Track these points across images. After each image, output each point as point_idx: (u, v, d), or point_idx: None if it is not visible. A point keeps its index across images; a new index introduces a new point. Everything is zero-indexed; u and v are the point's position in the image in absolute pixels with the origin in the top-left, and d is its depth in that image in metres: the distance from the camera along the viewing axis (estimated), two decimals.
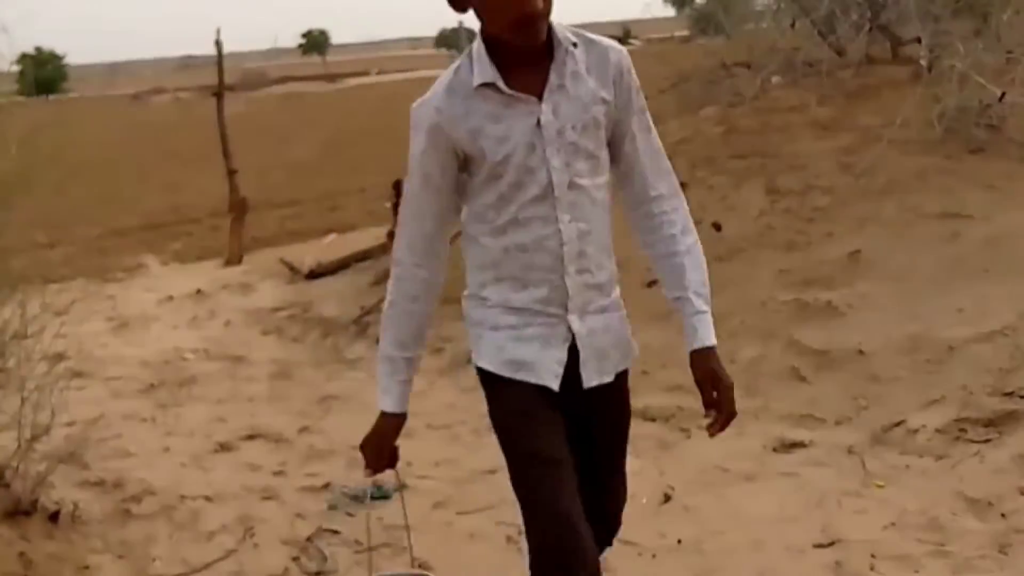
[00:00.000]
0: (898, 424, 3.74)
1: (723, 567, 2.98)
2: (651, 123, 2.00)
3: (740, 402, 4.56)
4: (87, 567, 3.19)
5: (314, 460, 4.16)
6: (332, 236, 9.69)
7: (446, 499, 3.63)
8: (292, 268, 8.17)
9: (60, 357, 3.75)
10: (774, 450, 3.77)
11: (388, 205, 8.34)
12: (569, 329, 1.94)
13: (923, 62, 6.34)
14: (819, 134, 6.21)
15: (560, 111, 1.86)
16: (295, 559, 3.27)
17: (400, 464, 2.14)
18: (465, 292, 2.03)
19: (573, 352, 1.95)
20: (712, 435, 2.02)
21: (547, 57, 1.86)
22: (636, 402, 2.29)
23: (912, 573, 2.84)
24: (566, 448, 1.95)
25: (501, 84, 1.83)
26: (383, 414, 2.06)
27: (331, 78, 55.66)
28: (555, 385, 1.94)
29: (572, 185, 1.88)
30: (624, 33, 47.28)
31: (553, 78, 1.86)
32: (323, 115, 28.31)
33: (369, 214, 10.62)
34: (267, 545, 3.38)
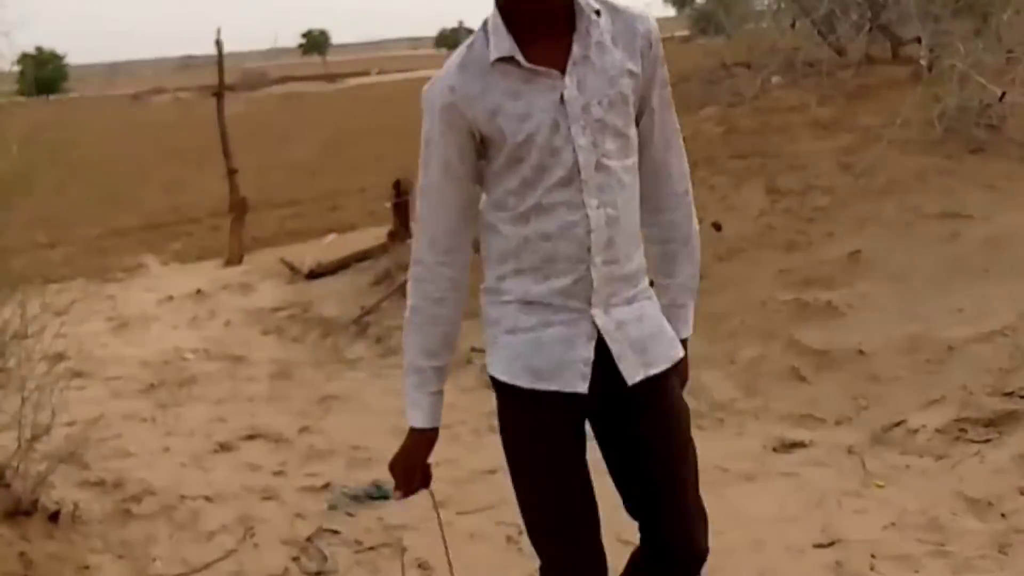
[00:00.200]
0: (898, 424, 3.74)
1: (723, 567, 2.97)
2: (671, 99, 1.85)
3: (740, 402, 4.59)
4: (87, 567, 3.18)
5: (314, 460, 4.16)
6: (332, 236, 9.69)
7: (446, 499, 3.61)
8: (292, 268, 8.18)
9: (60, 357, 3.76)
10: (774, 450, 3.77)
11: (388, 205, 8.34)
12: (593, 325, 1.75)
13: (923, 62, 6.36)
14: (819, 134, 6.22)
15: (585, 85, 1.69)
16: (295, 559, 3.27)
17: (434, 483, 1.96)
18: (483, 285, 1.84)
19: (603, 352, 1.76)
20: None
21: (569, 27, 1.70)
22: None
23: (912, 573, 2.84)
24: (589, 488, 1.80)
25: (520, 57, 1.67)
26: (412, 431, 1.88)
27: (331, 78, 55.69)
28: (583, 387, 1.75)
29: (600, 166, 1.70)
30: None
31: (576, 49, 1.69)
32: (323, 115, 28.31)
33: (369, 214, 10.61)
34: (267, 545, 3.38)
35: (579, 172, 1.69)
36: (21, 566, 2.96)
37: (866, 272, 4.78)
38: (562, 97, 1.68)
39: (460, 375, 4.87)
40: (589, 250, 1.71)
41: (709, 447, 3.03)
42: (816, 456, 3.69)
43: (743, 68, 7.62)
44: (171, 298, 7.92)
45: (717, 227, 5.40)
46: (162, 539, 3.45)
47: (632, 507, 1.89)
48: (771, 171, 5.90)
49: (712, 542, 1.77)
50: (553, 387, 1.74)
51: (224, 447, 4.41)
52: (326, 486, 3.82)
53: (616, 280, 1.76)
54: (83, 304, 6.38)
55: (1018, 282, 4.27)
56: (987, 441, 3.50)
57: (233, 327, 6.86)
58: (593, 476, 1.84)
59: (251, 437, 4.52)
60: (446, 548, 2.11)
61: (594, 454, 1.85)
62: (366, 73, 60.00)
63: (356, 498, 3.67)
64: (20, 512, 3.20)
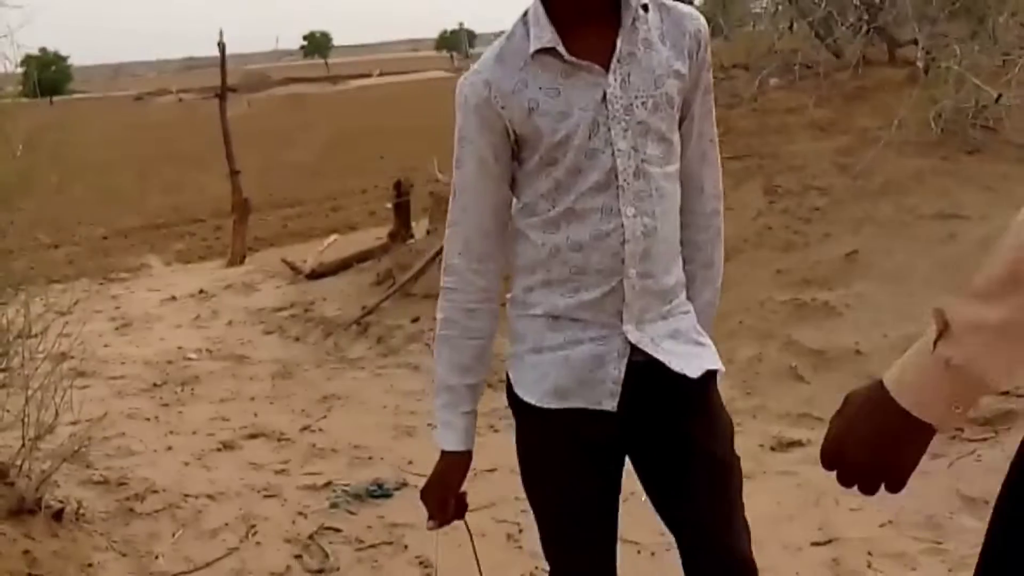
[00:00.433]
0: None
1: None
2: (712, 107, 1.72)
3: (738, 401, 4.61)
4: (91, 565, 3.20)
5: (316, 459, 4.19)
6: (334, 236, 9.73)
7: None
8: (294, 268, 8.21)
9: (64, 357, 3.77)
10: (772, 449, 3.80)
11: (389, 206, 8.39)
12: (626, 342, 1.62)
13: (920, 64, 6.37)
14: (816, 135, 6.23)
15: (630, 84, 1.57)
16: (297, 557, 3.29)
17: (465, 506, 1.81)
18: (508, 295, 1.73)
19: (635, 371, 1.63)
20: None
21: (615, 21, 1.58)
22: None
23: (908, 571, 2.86)
24: (614, 520, 1.73)
25: (562, 49, 1.55)
26: (445, 455, 1.73)
27: (333, 80, 55.75)
28: (611, 405, 1.63)
29: (639, 172, 1.58)
30: None
31: (622, 45, 1.57)
32: (325, 116, 28.35)
33: (371, 215, 10.67)
34: (269, 543, 3.41)
35: (616, 177, 1.57)
36: (25, 564, 2.98)
37: (863, 272, 4.80)
38: (604, 95, 1.56)
39: None
40: (623, 261, 1.59)
41: None
42: (814, 455, 3.66)
43: (741, 70, 7.62)
44: (174, 298, 7.95)
45: None
46: (165, 537, 3.48)
47: (672, 520, 1.77)
48: (769, 172, 5.92)
49: None
50: (579, 404, 1.64)
51: (226, 446, 4.43)
52: (327, 484, 3.85)
53: (651, 295, 1.63)
54: (86, 304, 6.40)
55: None
56: (984, 440, 3.52)
57: (235, 327, 6.90)
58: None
59: (253, 436, 4.54)
60: (480, 571, 2.01)
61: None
62: (368, 75, 60.04)
63: (357, 496, 3.70)
64: (24, 510, 3.22)
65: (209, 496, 3.81)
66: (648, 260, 1.61)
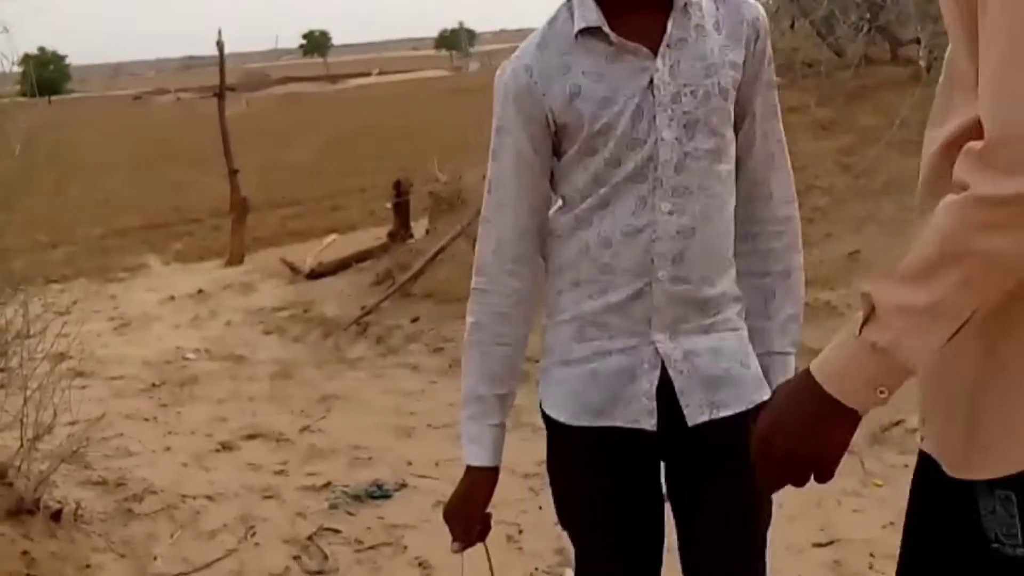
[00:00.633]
0: (897, 423, 3.75)
1: None
2: (777, 105, 1.60)
3: None
4: (89, 566, 3.19)
5: (315, 459, 4.18)
6: (333, 236, 9.72)
7: (446, 499, 3.63)
8: (293, 268, 8.20)
9: (62, 357, 3.77)
10: None
11: (389, 205, 8.38)
12: (657, 352, 1.50)
13: (922, 63, 6.37)
14: (818, 134, 6.23)
15: (679, 71, 1.46)
16: (296, 558, 3.28)
17: (488, 527, 1.68)
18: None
19: (669, 384, 1.52)
20: None
21: (666, 4, 1.47)
22: None
23: None
24: (660, 535, 1.62)
25: (607, 29, 1.45)
26: (471, 470, 1.60)
27: (332, 79, 55.81)
28: (649, 423, 1.51)
29: (681, 167, 1.46)
30: None
31: (672, 29, 1.46)
32: (324, 115, 28.36)
33: (370, 214, 10.66)
34: (268, 544, 3.39)
35: (655, 168, 1.46)
36: (23, 565, 2.98)
37: (865, 272, 4.79)
38: (651, 81, 1.45)
39: (460, 375, 4.89)
40: (653, 261, 1.48)
41: None
42: None
43: None
44: (172, 298, 7.95)
45: None
46: (163, 538, 3.47)
47: (684, 563, 1.65)
48: None
49: None
50: (617, 422, 1.52)
51: (225, 446, 4.42)
52: (327, 485, 3.84)
53: (686, 304, 1.50)
54: (85, 304, 6.40)
55: None
56: None
57: (234, 327, 6.89)
58: None
59: (252, 436, 4.53)
60: None
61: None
62: (367, 74, 60.09)
63: (356, 497, 3.69)
64: (22, 511, 3.21)
65: (208, 497, 3.80)
66: (682, 264, 1.48)
